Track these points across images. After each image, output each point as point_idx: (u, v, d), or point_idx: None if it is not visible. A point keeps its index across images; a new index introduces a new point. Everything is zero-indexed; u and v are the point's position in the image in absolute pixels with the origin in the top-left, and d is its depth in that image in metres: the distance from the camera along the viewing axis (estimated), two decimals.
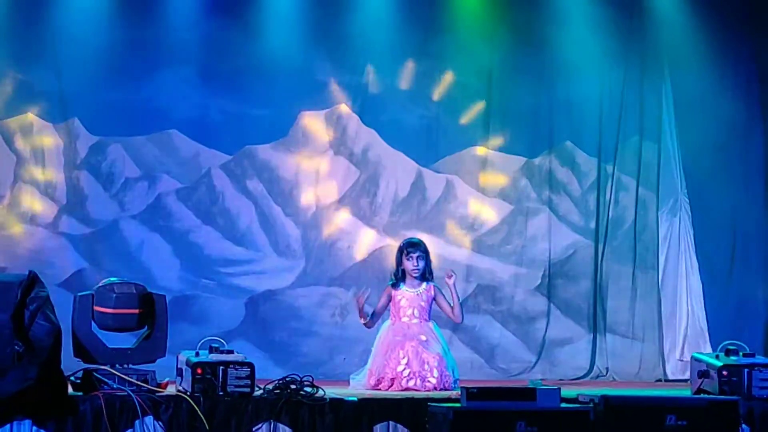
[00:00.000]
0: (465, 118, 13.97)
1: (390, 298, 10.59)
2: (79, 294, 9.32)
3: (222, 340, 9.15)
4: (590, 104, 13.93)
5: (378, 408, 8.88)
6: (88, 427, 8.53)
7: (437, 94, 13.96)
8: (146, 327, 9.26)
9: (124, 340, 9.37)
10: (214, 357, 8.86)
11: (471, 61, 13.95)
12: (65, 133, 13.44)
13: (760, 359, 9.29)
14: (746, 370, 9.13)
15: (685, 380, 10.95)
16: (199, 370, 8.74)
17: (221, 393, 8.72)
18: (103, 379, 8.87)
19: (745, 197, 13.70)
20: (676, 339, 13.58)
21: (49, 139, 13.44)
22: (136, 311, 9.18)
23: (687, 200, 13.69)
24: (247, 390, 8.78)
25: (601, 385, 12.44)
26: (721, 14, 13.46)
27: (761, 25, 13.56)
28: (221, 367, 8.77)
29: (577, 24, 13.72)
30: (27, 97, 13.42)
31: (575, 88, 13.90)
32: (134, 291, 9.22)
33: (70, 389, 8.82)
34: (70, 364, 9.01)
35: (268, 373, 10.23)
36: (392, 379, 10.29)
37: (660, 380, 13.43)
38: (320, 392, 8.87)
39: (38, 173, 13.43)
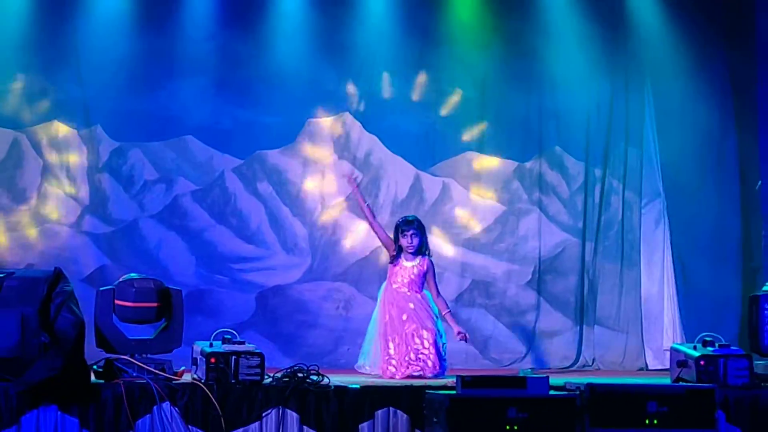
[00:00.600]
0: (461, 125, 13.96)
1: (390, 239, 10.80)
2: (101, 289, 9.35)
3: (234, 332, 9.17)
4: (578, 112, 13.92)
5: (379, 395, 8.89)
6: (109, 412, 8.55)
7: (435, 102, 13.96)
8: (163, 319, 9.28)
9: (143, 332, 9.40)
10: (227, 347, 8.88)
11: (467, 71, 13.94)
12: (88, 138, 13.44)
13: (734, 350, 9.30)
14: (722, 359, 9.15)
15: (665, 369, 10.94)
16: (212, 360, 8.76)
17: (233, 381, 8.74)
18: (123, 367, 8.89)
19: (721, 199, 13.69)
20: (657, 331, 13.58)
21: (74, 145, 13.44)
22: (154, 305, 9.19)
23: (666, 203, 13.69)
24: (258, 378, 8.80)
25: (587, 374, 12.46)
26: (699, 32, 13.46)
27: (735, 42, 13.55)
28: (233, 357, 8.79)
29: (566, 39, 13.72)
30: (53, 105, 13.42)
31: (563, 97, 13.90)
32: (152, 286, 9.24)
33: (92, 377, 8.85)
34: (93, 354, 9.03)
35: (277, 363, 10.24)
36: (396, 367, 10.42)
37: (642, 369, 13.44)
38: (325, 380, 8.89)
39: (63, 176, 13.44)
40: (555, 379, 8.60)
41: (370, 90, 13.85)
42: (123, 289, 9.20)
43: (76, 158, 13.46)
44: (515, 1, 13.85)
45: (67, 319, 8.54)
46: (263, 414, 8.70)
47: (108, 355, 9.04)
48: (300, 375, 8.87)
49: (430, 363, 10.58)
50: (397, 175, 13.73)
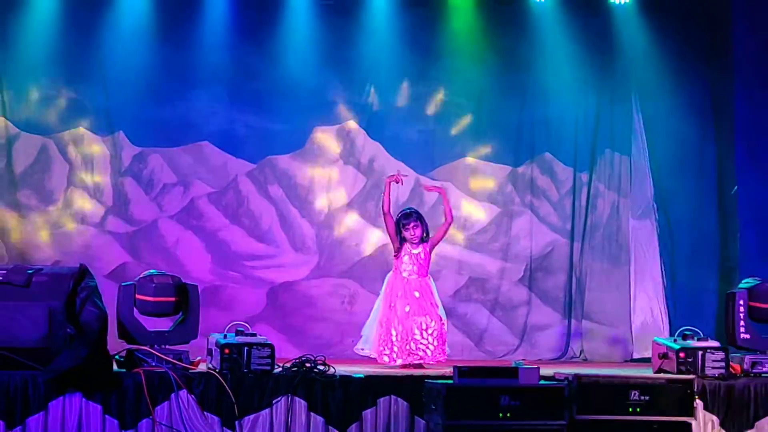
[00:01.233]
0: (457, 132, 13.96)
1: (397, 246, 10.80)
2: (123, 284, 9.36)
3: (246, 325, 9.18)
4: (567, 121, 13.92)
5: (381, 384, 8.90)
6: (130, 399, 8.56)
7: (433, 111, 13.96)
8: (181, 313, 9.30)
9: (162, 324, 9.41)
10: (240, 339, 8.89)
11: (463, 82, 13.93)
12: (111, 144, 13.45)
13: (712, 343, 9.31)
14: (700, 352, 9.16)
15: (648, 360, 10.95)
16: (226, 351, 8.77)
17: (246, 370, 8.75)
18: (143, 357, 8.90)
19: (700, 203, 13.68)
20: (640, 325, 13.58)
21: (98, 150, 13.45)
22: (173, 299, 9.21)
23: (655, 207, 13.70)
24: (268, 368, 8.81)
25: (575, 365, 12.43)
26: (682, 51, 13.46)
27: (715, 62, 13.56)
28: (246, 348, 8.80)
29: (556, 54, 13.71)
30: (79, 112, 13.44)
31: (553, 107, 13.89)
32: (171, 281, 9.25)
33: (115, 366, 8.86)
34: (115, 344, 9.05)
35: (286, 354, 10.27)
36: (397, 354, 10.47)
37: (625, 361, 13.43)
38: (331, 370, 8.90)
39: (88, 179, 13.44)
40: (545, 370, 8.60)
41: (373, 100, 13.85)
42: (143, 285, 9.22)
43: (100, 162, 13.47)
44: (510, 18, 13.84)
45: (91, 312, 8.56)
46: (273, 401, 8.71)
47: (129, 346, 9.05)
48: (308, 365, 8.89)
49: (429, 352, 10.60)
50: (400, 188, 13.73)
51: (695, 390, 8.56)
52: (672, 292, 13.52)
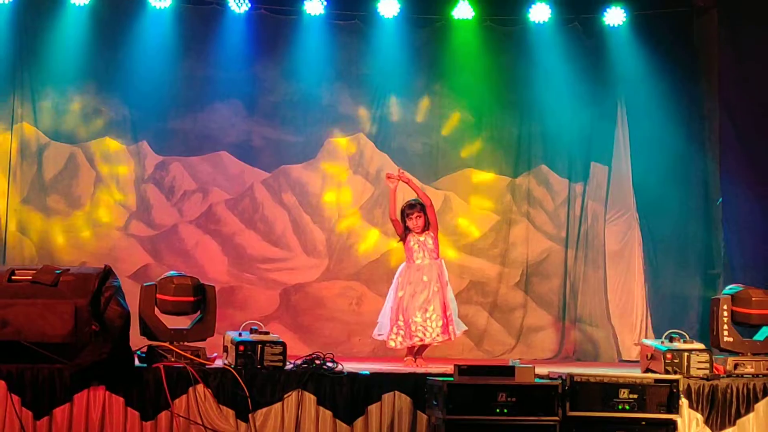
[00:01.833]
0: (460, 145, 13.94)
1: (403, 227, 10.87)
2: (145, 284, 9.38)
3: (260, 323, 9.19)
4: (561, 136, 13.88)
5: (386, 380, 8.91)
6: (151, 392, 8.57)
7: (437, 124, 13.95)
8: (199, 312, 9.31)
9: (181, 322, 9.42)
10: (254, 337, 8.90)
11: (466, 98, 13.91)
12: (135, 153, 13.45)
13: (697, 345, 9.30)
14: (686, 354, 9.16)
15: (636, 361, 10.93)
16: (241, 347, 8.78)
17: (259, 366, 8.77)
18: (163, 353, 8.91)
19: (686, 214, 13.63)
20: (629, 328, 13.54)
21: (123, 158, 13.44)
22: (191, 299, 9.23)
23: (637, 215, 13.67)
24: (280, 364, 8.82)
25: (568, 365, 12.40)
26: (670, 70, 13.42)
27: (701, 79, 13.55)
28: (259, 345, 8.81)
29: (553, 72, 13.67)
30: (105, 123, 13.42)
31: (550, 122, 13.86)
32: (190, 282, 9.27)
33: (136, 361, 8.87)
34: (137, 341, 9.06)
35: (297, 351, 10.27)
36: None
37: (615, 361, 13.40)
38: (339, 367, 8.92)
39: (113, 186, 13.43)
40: (540, 369, 8.60)
41: (381, 114, 13.85)
42: (164, 285, 9.24)
43: (124, 170, 13.47)
44: (510, 38, 13.82)
45: (114, 311, 8.57)
46: (285, 395, 8.72)
47: (150, 343, 9.07)
48: (317, 362, 8.90)
49: (427, 333, 10.60)
50: (405, 188, 13.69)
51: (681, 389, 8.55)
52: (659, 297, 13.48)
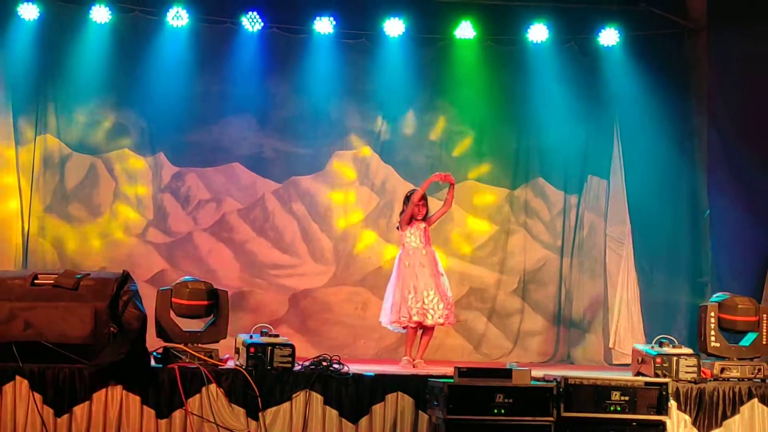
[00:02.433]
0: (460, 158, 13.94)
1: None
2: (161, 289, 9.40)
3: (270, 327, 9.20)
4: (558, 150, 13.88)
5: (389, 381, 8.92)
6: (166, 391, 8.58)
7: (439, 138, 13.95)
8: (212, 315, 9.31)
9: (195, 325, 9.43)
10: (264, 339, 8.91)
11: (467, 113, 13.92)
12: (153, 164, 13.46)
13: (685, 350, 9.30)
14: (675, 358, 9.16)
15: (628, 365, 10.92)
16: (252, 349, 8.79)
17: (269, 367, 8.77)
18: (178, 354, 8.92)
19: (676, 225, 13.62)
20: (621, 333, 13.53)
21: (141, 169, 13.45)
22: (205, 303, 9.24)
23: (630, 225, 13.67)
24: (289, 365, 8.83)
25: (563, 368, 12.42)
26: (662, 88, 13.38)
27: (691, 97, 13.56)
28: (269, 347, 8.82)
29: (550, 88, 13.66)
30: (124, 135, 13.44)
31: (546, 136, 13.86)
32: (203, 287, 9.28)
33: (152, 362, 8.88)
34: (153, 342, 9.07)
35: (305, 353, 10.26)
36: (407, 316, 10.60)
37: (608, 365, 13.39)
38: (345, 368, 8.92)
39: (132, 194, 13.44)
40: (536, 372, 8.60)
41: (386, 128, 13.85)
42: (179, 290, 9.25)
43: (142, 180, 13.48)
44: (509, 57, 13.82)
45: (132, 313, 8.58)
46: (293, 395, 8.73)
47: (165, 344, 9.07)
48: (324, 363, 8.90)
49: (430, 316, 10.61)
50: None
51: (670, 392, 8.55)
52: (650, 303, 13.47)
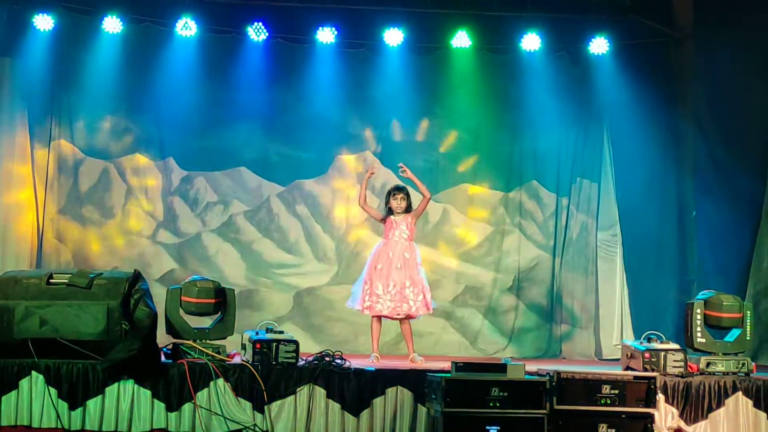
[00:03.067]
0: (458, 162, 13.95)
1: (382, 218, 10.80)
2: (171, 287, 9.37)
3: (275, 323, 9.18)
4: (551, 154, 13.90)
5: (389, 376, 8.89)
6: (175, 385, 8.56)
7: (437, 143, 13.95)
8: (220, 312, 9.30)
9: (203, 322, 9.42)
10: (269, 336, 8.89)
11: (463, 119, 13.93)
12: (163, 168, 13.48)
13: (672, 346, 9.30)
14: (663, 353, 9.14)
15: (617, 360, 10.92)
16: (258, 345, 8.77)
17: (274, 362, 8.75)
18: (187, 350, 8.90)
19: (663, 225, 13.65)
20: (611, 329, 13.54)
21: (151, 173, 13.47)
22: (213, 301, 9.21)
23: (619, 226, 13.68)
24: (293, 361, 8.80)
25: (555, 363, 12.42)
26: (649, 95, 13.42)
27: (677, 103, 13.57)
28: (274, 343, 8.79)
29: (543, 95, 13.68)
30: (136, 141, 13.48)
31: (540, 142, 13.88)
32: (211, 286, 9.26)
33: (162, 357, 8.86)
34: (163, 339, 9.06)
35: (309, 349, 10.25)
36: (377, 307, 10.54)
37: (598, 359, 13.39)
38: (347, 363, 8.90)
39: (142, 198, 13.47)
40: (529, 366, 8.59)
41: (386, 133, 13.87)
42: (188, 288, 9.23)
43: (153, 183, 13.50)
44: (504, 65, 13.83)
45: (143, 311, 8.57)
46: (297, 389, 8.70)
47: (175, 341, 9.06)
48: (327, 359, 8.88)
49: (414, 305, 10.55)
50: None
51: (658, 386, 8.54)
52: (638, 300, 13.48)
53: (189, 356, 8.83)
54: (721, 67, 12.59)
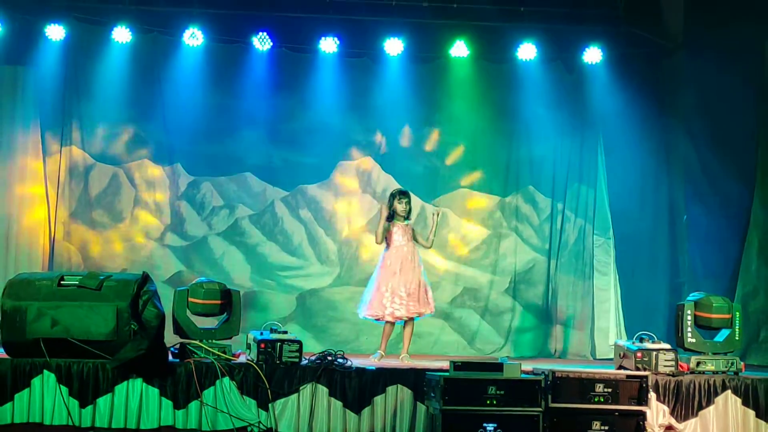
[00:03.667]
0: (456, 168, 13.93)
1: (387, 228, 10.75)
2: (178, 289, 9.41)
3: (279, 324, 9.20)
4: (546, 160, 13.88)
5: (389, 374, 8.91)
6: (182, 384, 8.59)
7: (436, 149, 13.94)
8: (225, 313, 9.31)
9: (210, 323, 9.43)
10: (273, 336, 8.91)
11: (462, 126, 13.91)
12: (171, 173, 13.48)
13: (664, 345, 9.31)
14: (654, 353, 9.16)
15: (610, 359, 10.93)
16: (262, 345, 8.79)
17: (278, 362, 8.77)
18: (194, 350, 8.92)
19: (655, 228, 13.65)
20: (604, 329, 13.54)
21: (159, 178, 13.47)
22: (219, 302, 9.24)
23: (612, 230, 13.69)
24: (297, 360, 8.83)
25: (551, 362, 12.42)
26: (641, 103, 13.41)
27: (669, 112, 13.56)
28: (278, 343, 8.82)
29: (538, 103, 13.69)
30: (144, 147, 13.46)
31: (535, 148, 13.86)
32: (218, 287, 9.28)
33: (170, 357, 8.88)
34: (171, 338, 9.08)
35: (312, 348, 10.28)
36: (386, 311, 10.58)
37: (592, 359, 13.39)
38: (349, 362, 8.92)
39: (151, 201, 13.46)
40: (525, 365, 8.60)
41: (386, 140, 13.85)
42: (195, 290, 9.26)
43: (161, 188, 13.50)
44: (500, 73, 13.82)
45: (151, 312, 8.59)
46: (300, 387, 8.73)
47: (182, 340, 9.08)
48: (329, 358, 8.90)
49: (411, 307, 10.58)
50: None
51: (650, 384, 8.55)
52: (630, 302, 13.48)
53: (196, 356, 8.85)
54: (710, 76, 12.60)
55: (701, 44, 12.81)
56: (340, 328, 13.45)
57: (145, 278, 8.78)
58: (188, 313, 9.24)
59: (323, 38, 13.44)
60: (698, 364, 9.39)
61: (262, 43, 13.42)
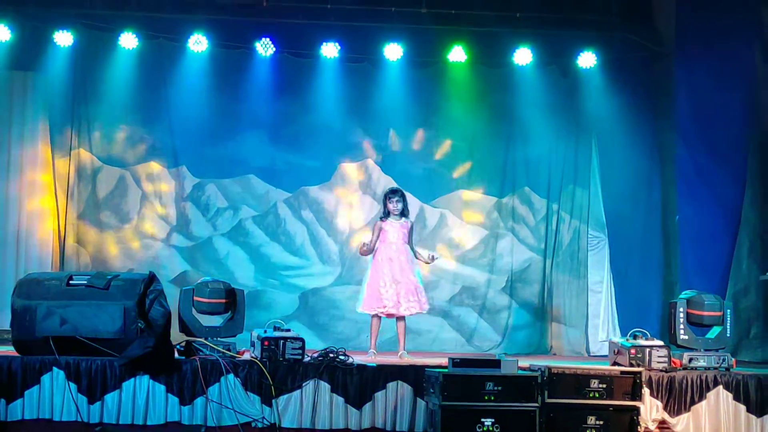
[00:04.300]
0: (454, 169, 13.94)
1: (380, 232, 10.66)
2: (184, 288, 9.41)
3: (282, 322, 9.19)
4: (542, 162, 13.88)
5: (390, 371, 8.91)
6: (188, 381, 8.58)
7: (434, 152, 13.95)
8: (230, 312, 9.32)
9: (215, 321, 9.43)
10: (277, 333, 8.90)
11: (459, 129, 13.91)
12: (176, 175, 13.48)
13: (657, 342, 9.30)
14: (648, 349, 9.14)
15: (605, 356, 10.92)
16: (266, 343, 8.78)
17: (281, 359, 8.76)
18: (199, 347, 8.92)
19: (648, 228, 13.63)
20: (598, 326, 13.54)
21: (165, 180, 13.48)
22: (223, 301, 9.25)
23: (606, 229, 13.68)
24: (300, 357, 8.81)
25: (547, 358, 12.42)
26: (634, 106, 13.41)
27: (662, 114, 13.55)
28: (281, 341, 8.81)
29: (534, 106, 13.69)
30: (150, 150, 13.48)
31: (531, 150, 13.86)
32: (222, 287, 9.29)
33: (176, 354, 8.88)
34: (177, 336, 9.07)
35: (314, 346, 10.27)
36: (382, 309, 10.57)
37: (587, 355, 13.38)
38: (350, 360, 8.91)
39: (157, 203, 13.47)
40: (522, 362, 8.59)
41: (386, 143, 13.86)
42: (200, 289, 9.26)
43: (166, 190, 13.51)
44: (498, 77, 13.81)
45: (158, 311, 8.59)
46: (303, 384, 8.72)
47: (188, 338, 9.08)
48: (331, 355, 8.89)
49: (405, 304, 10.56)
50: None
51: (643, 380, 8.55)
52: (624, 300, 13.47)
53: (201, 353, 8.84)
54: (702, 80, 12.59)
55: (693, 49, 12.81)
56: (341, 326, 13.45)
57: (152, 278, 8.78)
58: (194, 311, 9.24)
59: (324, 44, 13.44)
60: (690, 360, 9.38)
61: (264, 48, 13.42)
